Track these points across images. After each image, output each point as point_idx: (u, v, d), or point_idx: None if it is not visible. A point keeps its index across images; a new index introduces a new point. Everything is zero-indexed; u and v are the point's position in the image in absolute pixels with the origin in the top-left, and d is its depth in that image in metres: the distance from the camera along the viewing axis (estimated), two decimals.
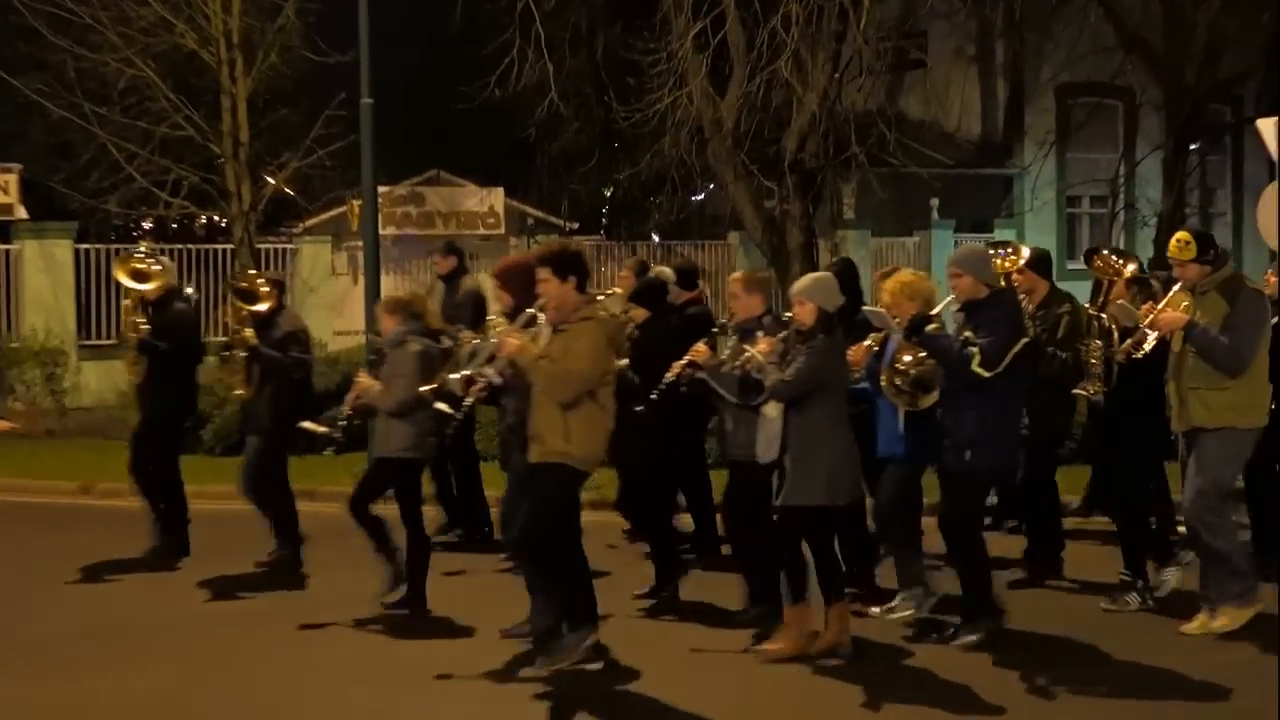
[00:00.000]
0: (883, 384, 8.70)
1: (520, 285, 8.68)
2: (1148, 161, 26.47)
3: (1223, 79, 24.72)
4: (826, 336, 8.18)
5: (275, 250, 24.68)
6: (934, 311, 8.53)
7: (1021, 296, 9.69)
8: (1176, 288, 8.64)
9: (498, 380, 8.38)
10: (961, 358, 8.14)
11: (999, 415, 8.20)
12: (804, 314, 8.19)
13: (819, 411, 8.11)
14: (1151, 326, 8.67)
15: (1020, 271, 9.74)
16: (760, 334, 8.50)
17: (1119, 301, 9.07)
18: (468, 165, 28.39)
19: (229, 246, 23.74)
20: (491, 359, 8.28)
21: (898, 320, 8.62)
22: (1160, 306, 8.65)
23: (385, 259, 21.90)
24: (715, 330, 9.11)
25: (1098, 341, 9.02)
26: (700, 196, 27.44)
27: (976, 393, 8.15)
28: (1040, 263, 9.98)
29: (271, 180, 23.61)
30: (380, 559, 9.58)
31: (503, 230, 26.95)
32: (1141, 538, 9.41)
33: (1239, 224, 31.73)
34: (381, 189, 21.18)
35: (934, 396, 8.60)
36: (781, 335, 8.34)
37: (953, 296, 8.60)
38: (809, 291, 8.23)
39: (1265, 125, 16.11)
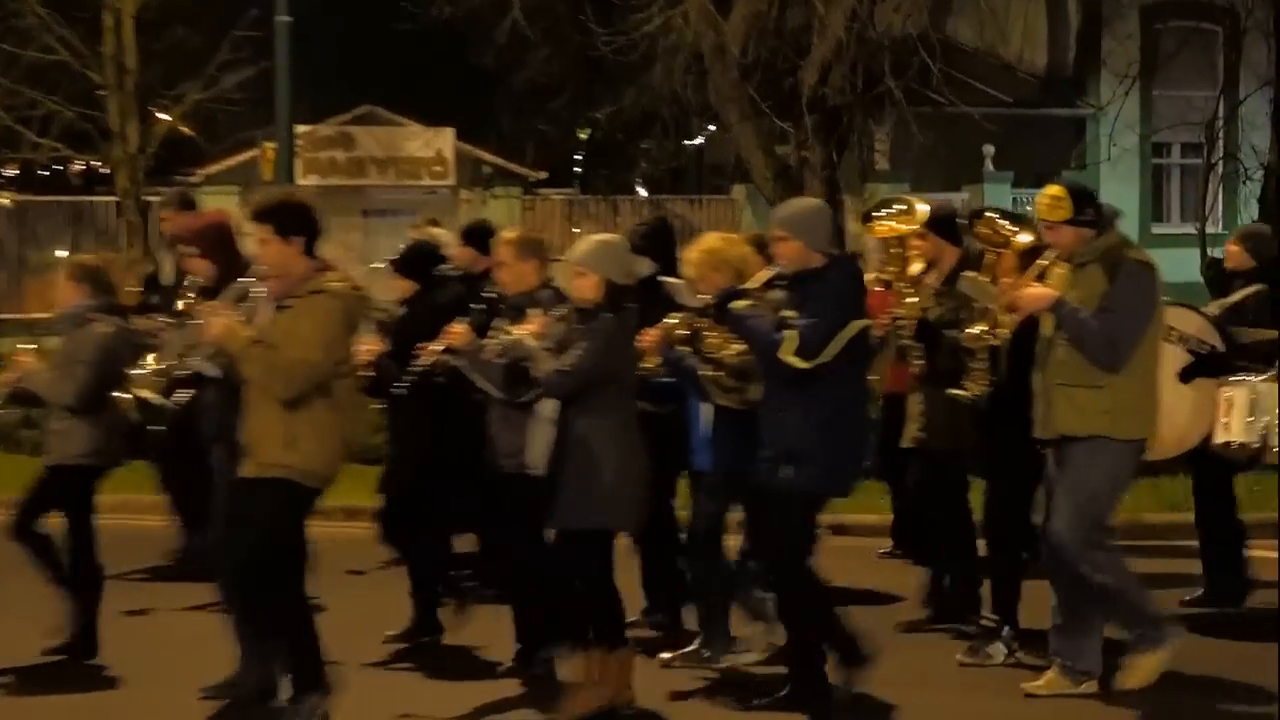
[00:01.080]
0: (703, 376, 8.46)
1: (224, 250, 8.48)
2: (1253, 101, 26.48)
3: None
4: (614, 316, 7.97)
5: None
6: (752, 285, 8.33)
7: (926, 266, 9.59)
8: (1051, 257, 8.32)
9: (213, 372, 8.22)
10: (772, 343, 7.83)
11: (827, 420, 7.83)
12: (585, 287, 7.95)
13: (601, 411, 7.89)
14: (1011, 307, 8.42)
15: (921, 235, 9.61)
16: (537, 312, 8.31)
17: (969, 274, 8.80)
18: (410, 101, 28.29)
19: (112, 199, 23.67)
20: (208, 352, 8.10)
21: (704, 297, 8.31)
22: (1024, 280, 8.32)
23: None
24: (478, 307, 8.85)
25: (981, 329, 8.87)
26: (698, 141, 27.42)
27: (797, 390, 7.80)
28: (945, 224, 9.78)
29: (165, 117, 23.52)
30: (58, 590, 9.45)
31: (452, 180, 26.91)
32: (1014, 574, 9.37)
33: None
34: (301, 129, 21.14)
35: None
36: (559, 314, 8.16)
37: (768, 271, 8.32)
38: (592, 258, 7.99)
39: None
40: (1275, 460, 9.92)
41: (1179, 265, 26.46)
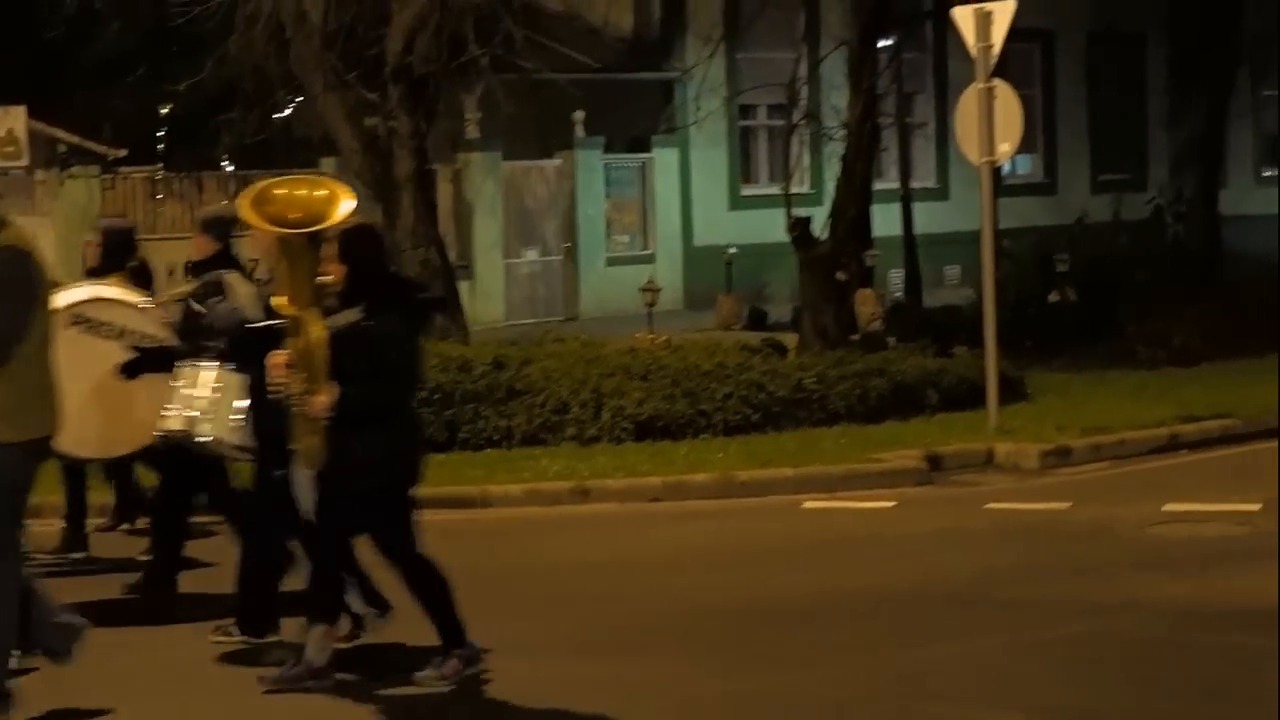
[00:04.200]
0: None
1: None
2: (831, 61, 27.21)
3: None
4: None
5: None
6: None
7: None
8: None
9: None
10: None
11: None
12: None
13: None
14: None
15: None
16: None
17: None
18: None
19: None
20: None
21: None
22: None
23: None
24: None
25: None
26: (285, 113, 27.15)
27: None
28: None
29: None
30: None
31: (25, 161, 26.13)
32: None
33: (944, 135, 33.02)
34: None
35: None
36: None
37: None
38: None
39: (963, 15, 16.71)
40: (225, 451, 9.72)
41: (767, 226, 27.20)
